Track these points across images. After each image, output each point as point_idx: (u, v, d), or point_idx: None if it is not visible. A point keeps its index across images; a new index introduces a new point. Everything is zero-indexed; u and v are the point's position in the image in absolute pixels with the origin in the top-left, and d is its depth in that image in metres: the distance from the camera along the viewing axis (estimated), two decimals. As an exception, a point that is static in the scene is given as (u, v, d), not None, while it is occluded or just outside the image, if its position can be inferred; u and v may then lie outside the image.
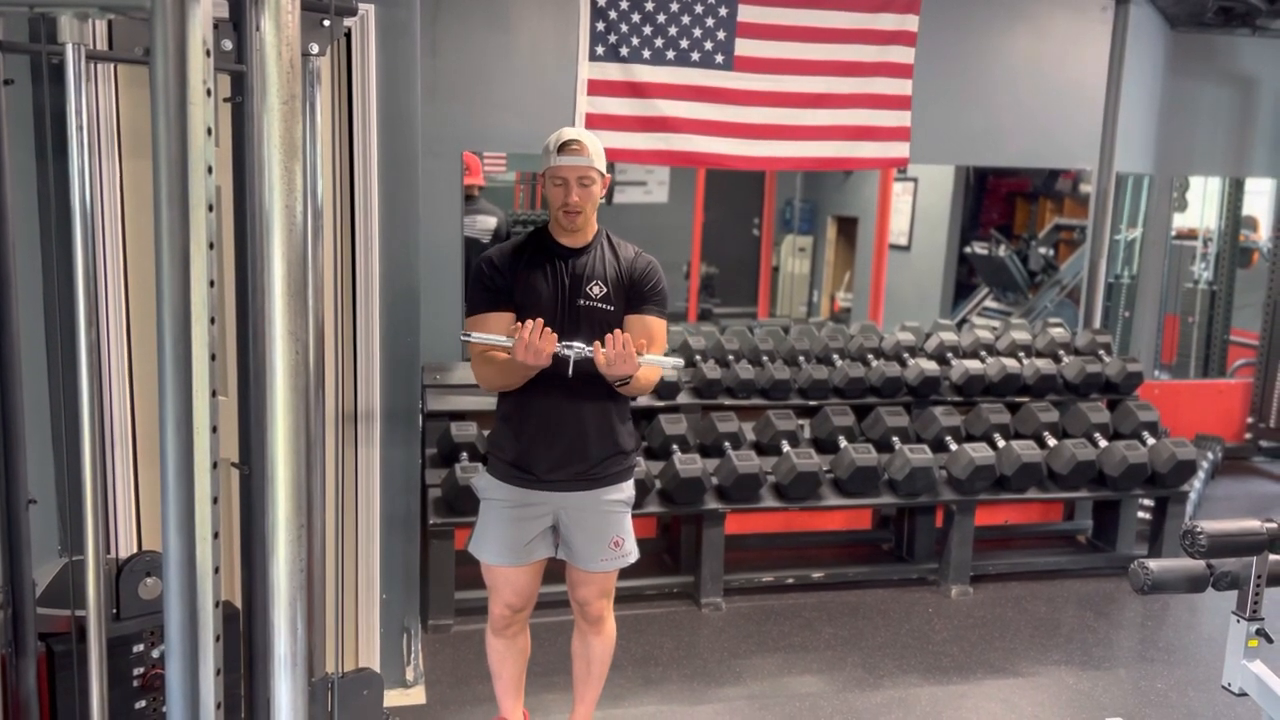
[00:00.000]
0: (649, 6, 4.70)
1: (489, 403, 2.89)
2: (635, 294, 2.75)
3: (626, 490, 2.86)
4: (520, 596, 2.87)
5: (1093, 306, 5.87)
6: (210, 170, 1.14)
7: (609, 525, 2.81)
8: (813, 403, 4.88)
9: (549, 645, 3.75)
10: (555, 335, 2.55)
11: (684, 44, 4.76)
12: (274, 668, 1.33)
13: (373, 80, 3.14)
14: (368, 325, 3.24)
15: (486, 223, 5.46)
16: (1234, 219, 7.06)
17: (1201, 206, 7.27)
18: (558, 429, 2.74)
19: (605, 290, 2.73)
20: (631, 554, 2.87)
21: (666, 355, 2.72)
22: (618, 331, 2.56)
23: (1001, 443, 4.64)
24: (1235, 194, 7.02)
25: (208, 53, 1.12)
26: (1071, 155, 5.78)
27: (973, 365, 5.03)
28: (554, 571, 2.97)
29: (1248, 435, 6.62)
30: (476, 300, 2.77)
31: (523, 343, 2.52)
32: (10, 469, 2.15)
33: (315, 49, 2.46)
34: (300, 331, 1.25)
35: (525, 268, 2.74)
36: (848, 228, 9.07)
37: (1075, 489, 4.63)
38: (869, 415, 4.76)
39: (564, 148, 2.67)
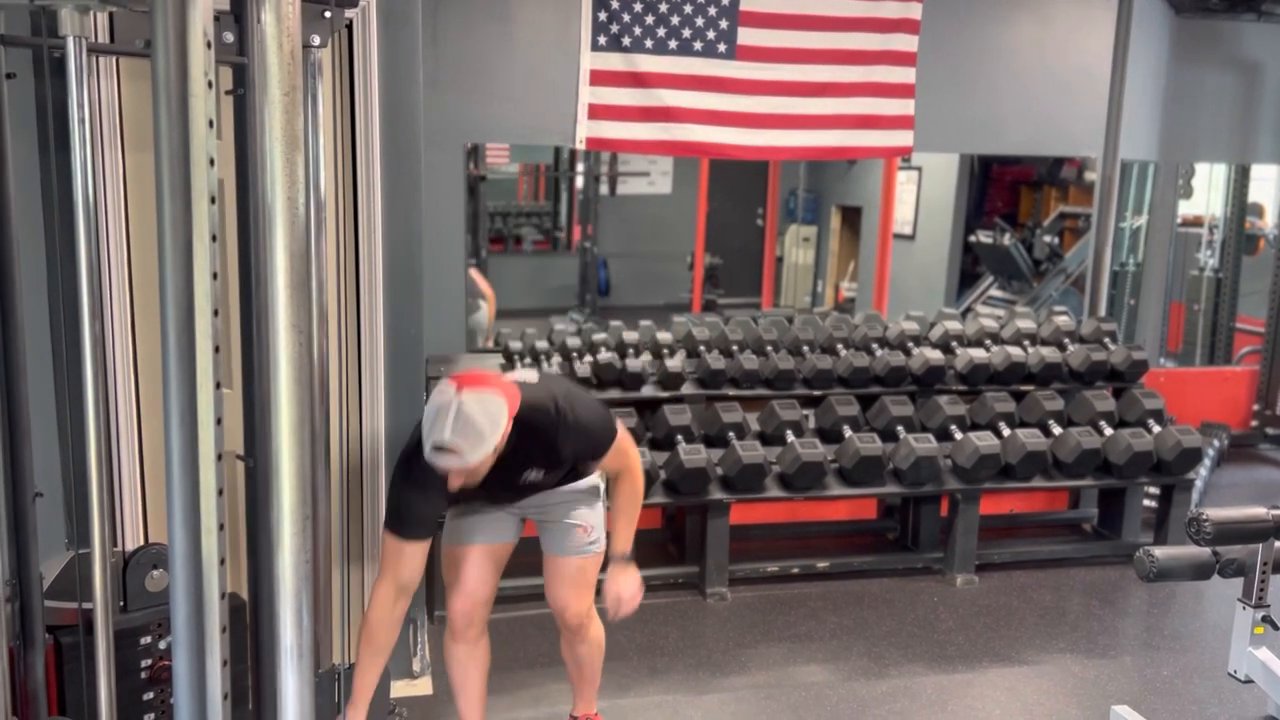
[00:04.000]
0: (651, -4, 4.69)
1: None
2: (585, 462, 2.73)
3: (591, 479, 2.84)
4: (484, 583, 2.83)
5: (1098, 294, 5.85)
6: (212, 162, 1.14)
7: (574, 511, 2.82)
8: (817, 392, 4.87)
9: (550, 635, 3.75)
10: None
11: (686, 33, 4.75)
12: (280, 659, 1.33)
13: (374, 71, 3.13)
14: (371, 317, 3.24)
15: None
16: (1240, 206, 7.02)
17: (1207, 193, 7.24)
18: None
19: (543, 471, 2.64)
20: (598, 542, 2.86)
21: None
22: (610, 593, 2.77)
23: (1006, 431, 4.63)
24: (1241, 181, 6.98)
25: (209, 44, 1.12)
26: (1076, 143, 5.76)
27: (977, 354, 5.02)
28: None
29: (1254, 423, 6.60)
30: (400, 519, 2.57)
31: None
32: (17, 462, 2.16)
33: (317, 40, 2.46)
34: (303, 324, 1.25)
35: (453, 491, 2.53)
36: (852, 217, 9.06)
37: (1080, 477, 4.62)
38: (873, 405, 4.75)
39: (435, 451, 2.33)
